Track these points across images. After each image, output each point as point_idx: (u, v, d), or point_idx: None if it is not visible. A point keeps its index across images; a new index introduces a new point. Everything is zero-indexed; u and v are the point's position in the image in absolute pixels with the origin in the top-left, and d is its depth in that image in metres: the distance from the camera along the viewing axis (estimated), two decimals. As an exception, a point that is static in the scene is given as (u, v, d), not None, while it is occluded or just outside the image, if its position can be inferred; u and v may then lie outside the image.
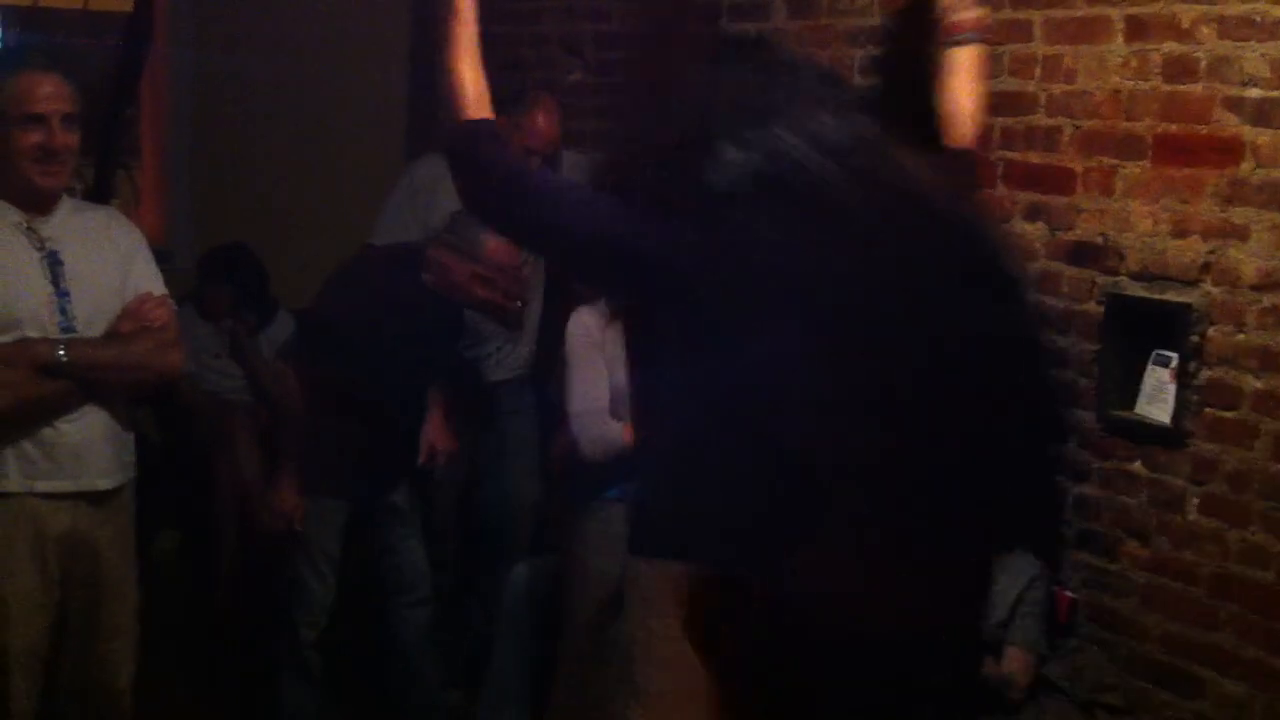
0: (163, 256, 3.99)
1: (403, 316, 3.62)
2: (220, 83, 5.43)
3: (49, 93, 2.98)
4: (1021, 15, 3.35)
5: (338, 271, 3.88)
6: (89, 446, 3.06)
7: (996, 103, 3.44)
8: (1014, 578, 3.29)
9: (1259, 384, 2.95)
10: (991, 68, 3.42)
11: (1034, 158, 3.37)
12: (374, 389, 3.65)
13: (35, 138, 2.95)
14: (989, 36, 2.37)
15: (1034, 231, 3.38)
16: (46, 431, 3.00)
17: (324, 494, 3.75)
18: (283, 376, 3.89)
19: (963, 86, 2.25)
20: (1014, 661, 3.21)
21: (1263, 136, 2.91)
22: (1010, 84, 3.39)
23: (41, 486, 3.01)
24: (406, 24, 5.60)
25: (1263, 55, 2.89)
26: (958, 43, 2.26)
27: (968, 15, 2.29)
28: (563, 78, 4.82)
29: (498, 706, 3.80)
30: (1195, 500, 3.09)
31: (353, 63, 5.40)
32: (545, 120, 4.08)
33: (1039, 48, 3.33)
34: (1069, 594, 3.35)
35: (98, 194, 5.31)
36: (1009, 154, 3.42)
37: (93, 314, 3.05)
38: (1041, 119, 3.33)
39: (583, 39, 4.82)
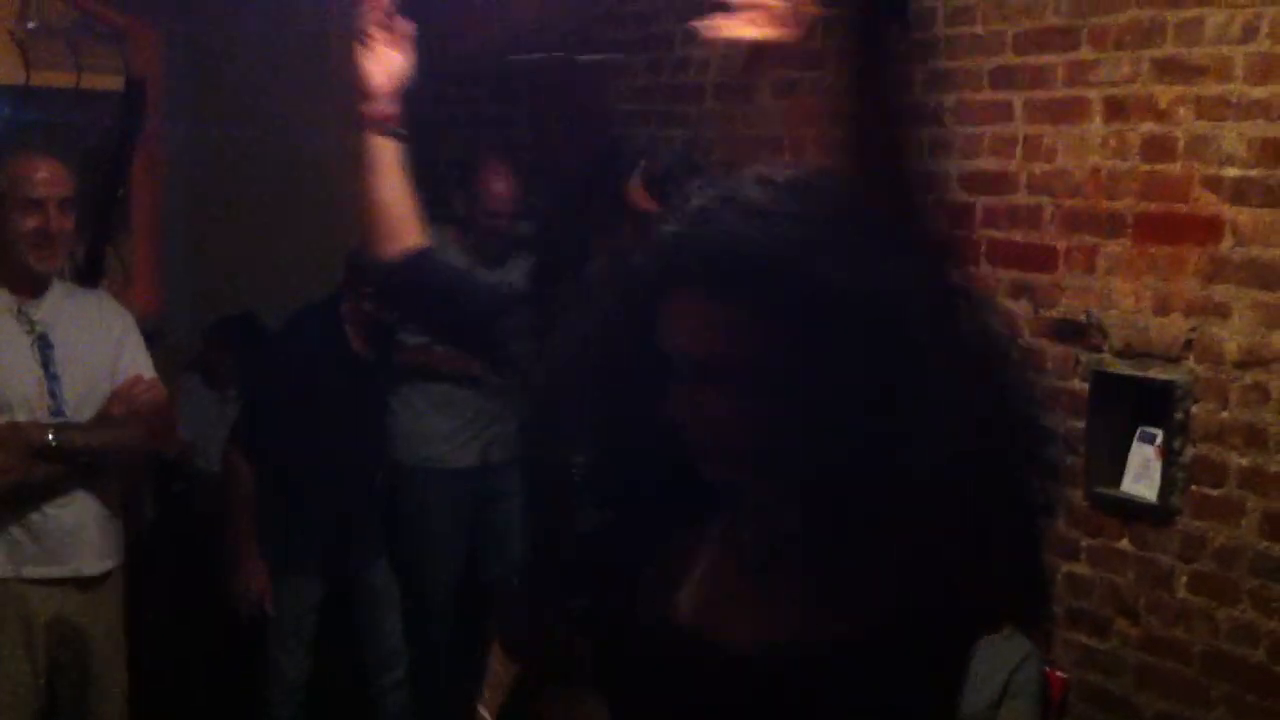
0: (156, 333, 4.01)
1: (325, 383, 3.67)
2: (213, 157, 5.47)
3: (46, 177, 3.01)
4: (1001, 96, 3.40)
5: (268, 345, 3.94)
6: (78, 531, 3.06)
7: (979, 182, 3.49)
8: (1005, 658, 3.27)
9: (1244, 461, 2.96)
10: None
11: (1017, 236, 3.40)
12: (310, 460, 3.68)
13: (33, 222, 2.98)
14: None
15: (1018, 309, 3.40)
16: (35, 516, 3.01)
17: (292, 572, 3.75)
18: (227, 455, 3.89)
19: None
20: (1006, 741, 3.19)
21: (1242, 214, 2.94)
22: (991, 163, 3.44)
23: (30, 572, 3.01)
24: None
25: (1240, 134, 2.93)
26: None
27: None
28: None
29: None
30: (1184, 578, 3.09)
31: (346, 134, 5.44)
32: (498, 182, 4.14)
33: (1019, 128, 3.37)
34: (1060, 674, 3.33)
35: (88, 272, 5.34)
36: (992, 233, 3.45)
37: (83, 397, 3.06)
38: (1023, 198, 3.37)
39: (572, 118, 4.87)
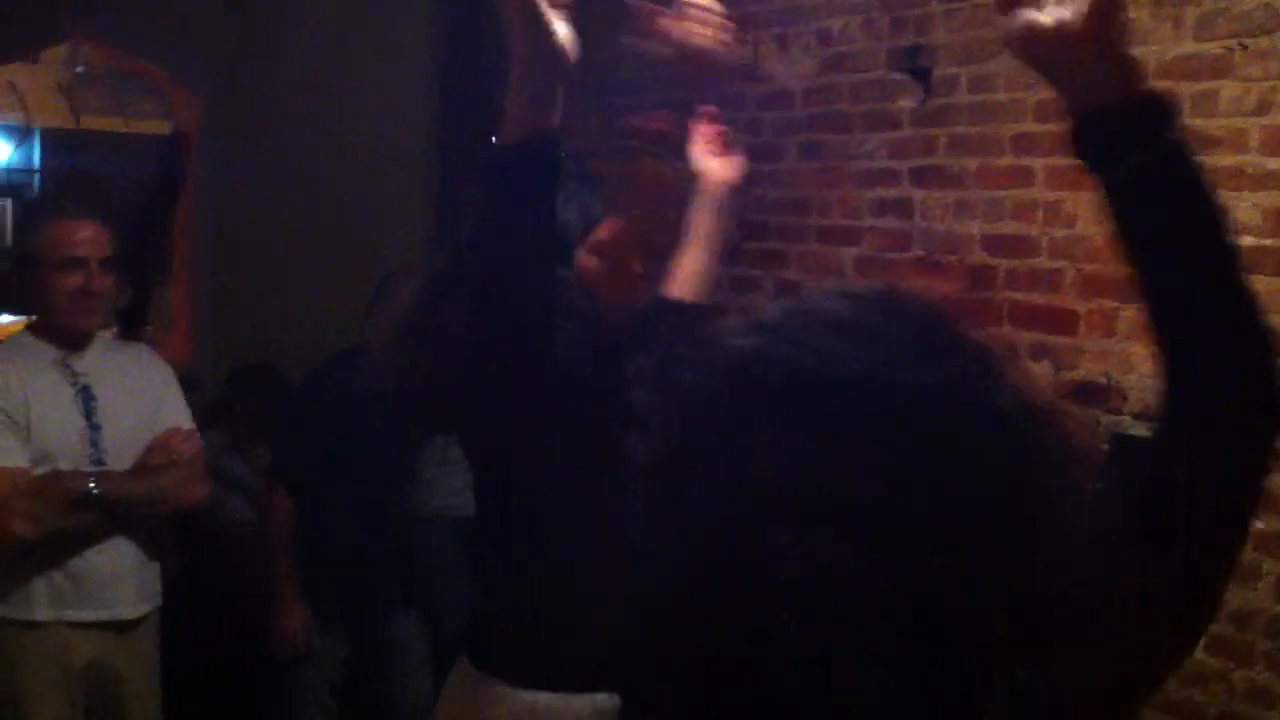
0: (191, 383, 4.10)
1: (355, 428, 3.71)
2: (248, 210, 5.58)
3: (87, 237, 3.12)
4: (1024, 162, 3.47)
5: (302, 387, 4.00)
6: (116, 576, 3.15)
7: (1001, 245, 3.55)
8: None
9: (1260, 525, 2.99)
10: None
11: (1038, 299, 3.46)
12: (338, 505, 3.73)
13: (75, 281, 3.09)
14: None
15: (1040, 371, 3.46)
16: (75, 562, 3.09)
17: (320, 621, 3.79)
18: (266, 496, 3.94)
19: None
20: (1023, 799, 3.21)
21: (1257, 283, 2.97)
22: (1013, 227, 3.50)
23: (70, 616, 3.10)
24: (434, 137, 5.76)
25: (1254, 205, 2.99)
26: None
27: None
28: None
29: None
30: (1201, 639, 3.11)
31: (380, 182, 5.55)
32: None
33: (1040, 193, 3.44)
34: (1079, 730, 3.36)
35: (130, 319, 5.46)
36: (1014, 295, 3.51)
37: (123, 447, 3.16)
38: (1044, 261, 3.43)
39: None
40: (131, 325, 5.39)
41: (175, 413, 3.27)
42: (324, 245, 5.48)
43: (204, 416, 4.75)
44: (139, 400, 3.22)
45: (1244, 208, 3.01)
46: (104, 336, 3.34)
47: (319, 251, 5.49)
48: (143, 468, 3.17)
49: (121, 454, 3.15)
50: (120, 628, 3.17)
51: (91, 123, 9.30)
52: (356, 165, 5.49)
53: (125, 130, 8.85)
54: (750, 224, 4.30)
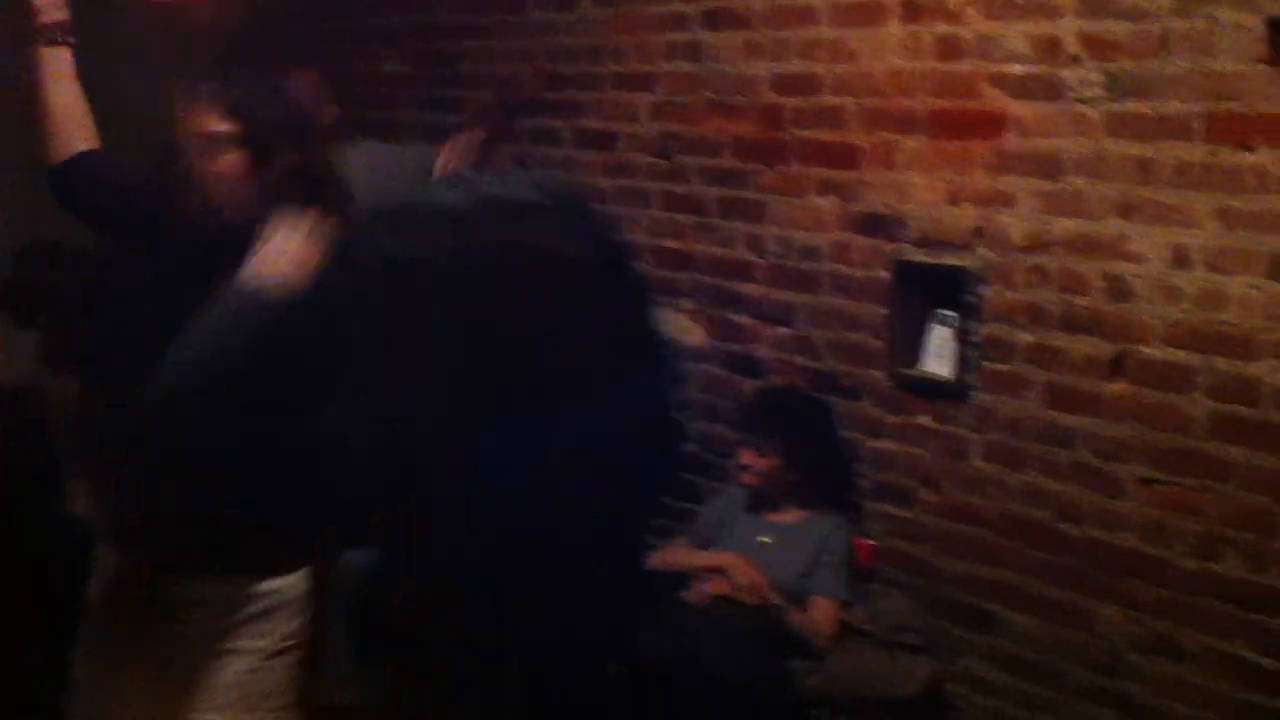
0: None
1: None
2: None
3: None
4: (807, 1, 3.56)
5: None
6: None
7: (788, 84, 3.65)
8: (814, 531, 3.49)
9: (1029, 338, 3.20)
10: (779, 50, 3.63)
11: (823, 135, 3.58)
12: None
13: None
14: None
15: (827, 205, 3.59)
16: None
17: None
18: None
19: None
20: (818, 610, 3.40)
21: (1025, 109, 3.15)
22: (799, 66, 3.60)
23: None
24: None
25: (1023, 33, 3.14)
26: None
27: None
28: (379, 68, 4.91)
29: None
30: (978, 448, 3.33)
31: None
32: (303, 90, 4.20)
33: (824, 31, 3.53)
34: (870, 542, 3.57)
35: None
36: (801, 132, 3.62)
37: None
38: (828, 98, 3.54)
39: (399, 30, 4.90)
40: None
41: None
42: (125, 116, 5.29)
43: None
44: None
45: (1013, 37, 3.15)
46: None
47: (121, 121, 5.29)
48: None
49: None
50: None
51: None
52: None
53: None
54: (548, 75, 4.32)
